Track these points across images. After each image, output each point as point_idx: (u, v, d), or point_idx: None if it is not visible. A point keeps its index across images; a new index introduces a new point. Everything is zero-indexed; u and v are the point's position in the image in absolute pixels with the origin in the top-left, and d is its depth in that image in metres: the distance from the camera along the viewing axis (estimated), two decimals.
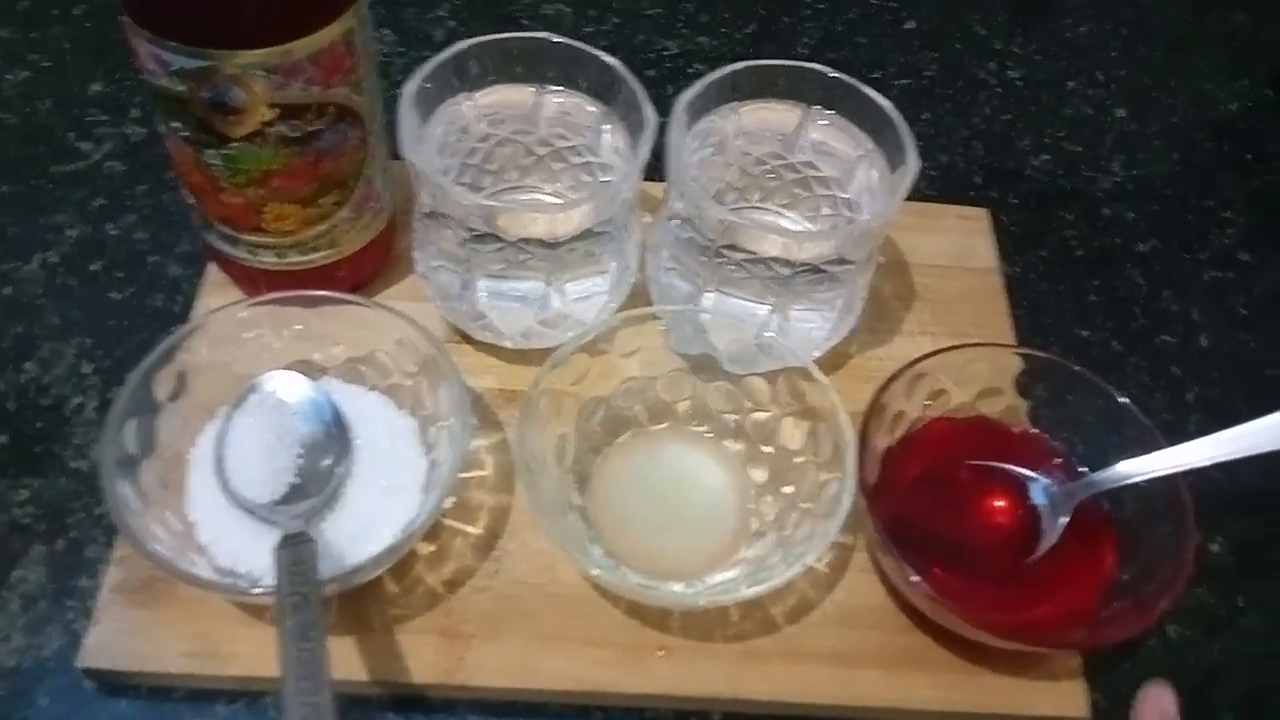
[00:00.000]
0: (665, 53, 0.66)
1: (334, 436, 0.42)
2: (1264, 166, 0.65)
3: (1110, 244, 0.60)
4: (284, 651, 0.33)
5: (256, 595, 0.38)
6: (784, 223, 0.50)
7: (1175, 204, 0.62)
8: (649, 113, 0.44)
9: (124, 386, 0.40)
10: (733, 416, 0.47)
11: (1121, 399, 0.44)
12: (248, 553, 0.40)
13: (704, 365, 0.47)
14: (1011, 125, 0.65)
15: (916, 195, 0.60)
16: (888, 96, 0.46)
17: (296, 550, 0.37)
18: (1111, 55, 0.69)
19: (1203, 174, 0.64)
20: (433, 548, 0.43)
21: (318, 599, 0.35)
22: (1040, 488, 0.44)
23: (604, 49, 0.46)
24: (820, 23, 0.69)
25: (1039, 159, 0.63)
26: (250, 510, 0.40)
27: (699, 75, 0.56)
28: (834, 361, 0.50)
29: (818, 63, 0.61)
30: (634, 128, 0.45)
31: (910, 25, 0.69)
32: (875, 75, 0.66)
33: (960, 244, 0.56)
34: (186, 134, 0.40)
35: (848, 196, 0.49)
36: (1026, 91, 0.67)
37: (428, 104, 0.44)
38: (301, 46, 0.38)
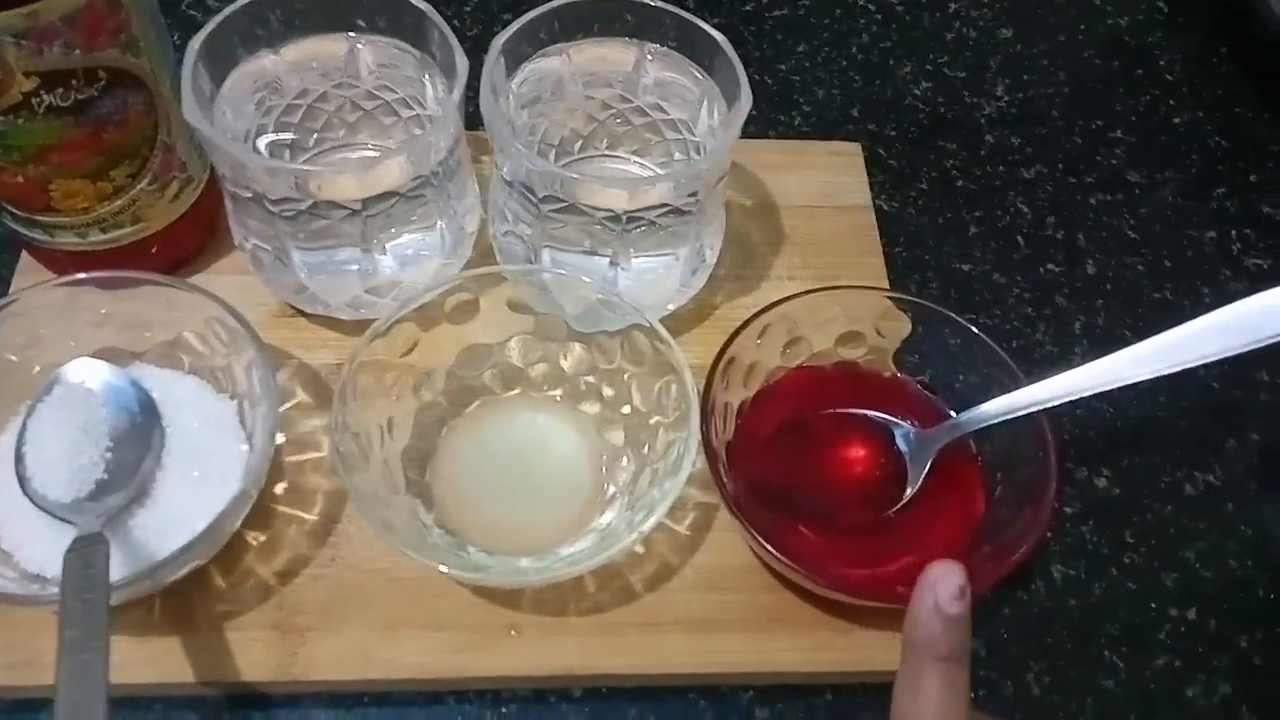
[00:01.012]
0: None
1: (141, 426, 0.40)
2: (1154, 82, 0.62)
3: (993, 173, 0.57)
4: (60, 664, 0.31)
5: (44, 602, 0.36)
6: (634, 169, 0.47)
7: (1062, 127, 0.60)
8: (459, 58, 0.40)
9: None
10: (587, 379, 0.45)
11: (982, 335, 0.42)
12: (56, 557, 0.37)
13: (551, 326, 0.44)
14: (890, 53, 0.62)
15: (790, 133, 0.58)
16: (762, 29, 0.43)
17: (86, 553, 0.34)
18: None
19: (1092, 94, 0.61)
20: (264, 537, 0.41)
21: (104, 605, 0.33)
22: (902, 433, 0.42)
23: None
24: None
25: (919, 87, 0.60)
26: (51, 511, 0.38)
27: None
28: (697, 313, 0.48)
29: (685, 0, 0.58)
30: (449, 74, 0.42)
31: None
32: (748, 7, 0.63)
33: (831, 181, 0.53)
34: None
35: (696, 139, 0.46)
36: (907, 16, 0.64)
37: (220, 61, 0.41)
38: (49, 7, 0.34)
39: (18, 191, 0.40)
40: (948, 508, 0.42)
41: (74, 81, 0.37)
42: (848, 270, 0.50)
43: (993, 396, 0.41)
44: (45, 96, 0.36)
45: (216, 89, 0.41)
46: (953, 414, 0.43)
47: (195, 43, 0.39)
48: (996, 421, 0.40)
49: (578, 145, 0.48)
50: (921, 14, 0.64)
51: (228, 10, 0.40)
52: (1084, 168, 0.58)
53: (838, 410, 0.43)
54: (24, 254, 0.47)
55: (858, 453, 0.43)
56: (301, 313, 0.46)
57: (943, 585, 0.29)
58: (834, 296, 0.43)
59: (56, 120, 0.37)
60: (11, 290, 0.46)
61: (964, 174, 0.57)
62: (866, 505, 0.42)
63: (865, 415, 0.43)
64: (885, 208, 0.54)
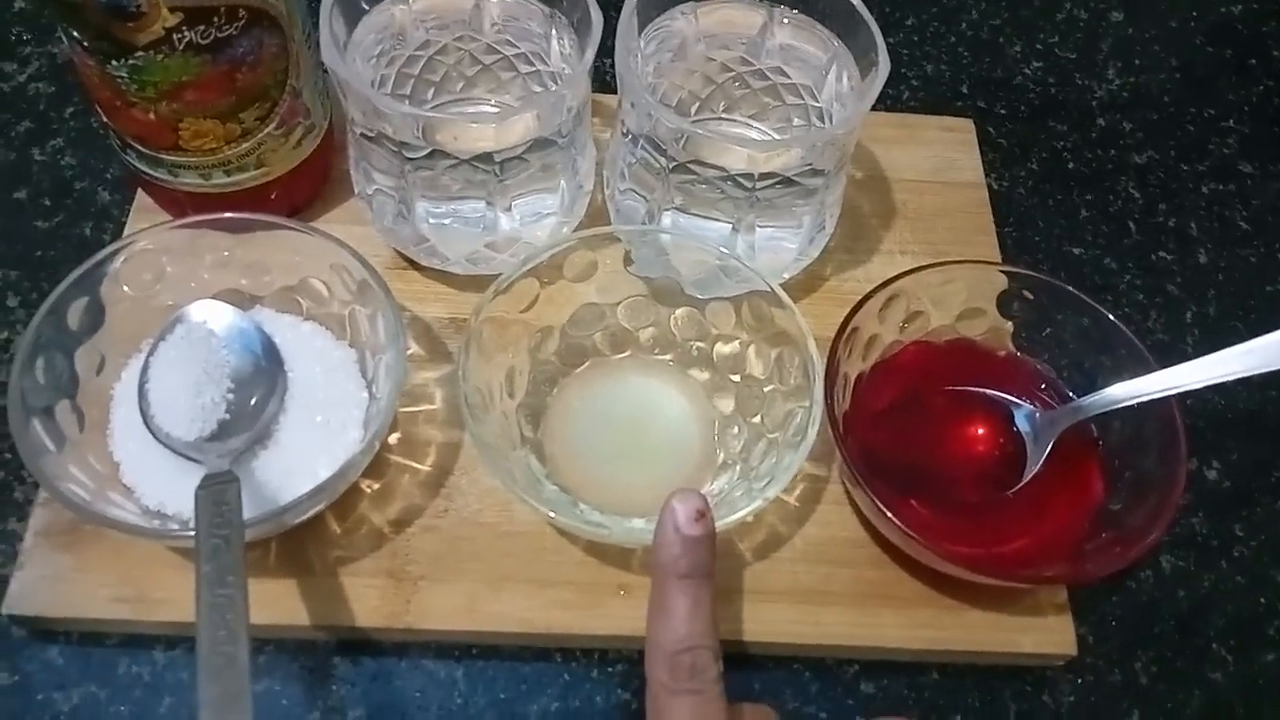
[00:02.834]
0: None
1: (265, 369, 0.40)
2: (1267, 72, 0.61)
3: (1104, 156, 0.56)
4: (200, 598, 0.31)
5: (179, 537, 0.36)
6: (751, 134, 0.47)
7: (1173, 113, 0.58)
8: (595, 13, 0.40)
9: (31, 322, 0.37)
10: (698, 344, 0.44)
11: (1111, 318, 0.41)
12: (176, 493, 0.38)
13: (666, 290, 0.44)
14: (1000, 31, 0.61)
15: (899, 106, 0.57)
16: (870, 1, 0.42)
17: (218, 490, 0.34)
18: None
19: (1203, 81, 0.60)
20: (378, 485, 0.41)
21: (239, 542, 0.33)
22: (1024, 414, 0.42)
23: None
24: None
25: (1030, 67, 0.59)
26: (174, 449, 0.38)
27: None
28: (807, 284, 0.47)
29: None
30: (582, 31, 0.42)
31: None
32: None
33: (944, 157, 0.52)
34: (86, 44, 0.37)
35: (819, 105, 0.45)
36: None
37: (354, 8, 0.41)
38: None
39: (147, 129, 0.40)
40: (1065, 492, 0.41)
41: (215, 19, 0.37)
42: (960, 248, 0.49)
43: (1118, 380, 0.40)
44: (186, 33, 0.36)
45: (348, 36, 0.40)
46: (1072, 396, 0.42)
47: None
48: (1123, 406, 0.39)
49: (694, 107, 0.47)
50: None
51: None
52: (1195, 156, 0.57)
53: (957, 387, 0.43)
54: (139, 193, 0.47)
55: (976, 431, 0.42)
56: (413, 265, 0.46)
57: (681, 510, 0.31)
58: (958, 271, 0.42)
59: (194, 58, 0.37)
60: (128, 229, 0.47)
61: (1075, 156, 0.56)
62: (982, 484, 0.41)
63: (985, 393, 0.43)
64: (995, 186, 0.53)
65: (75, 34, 0.37)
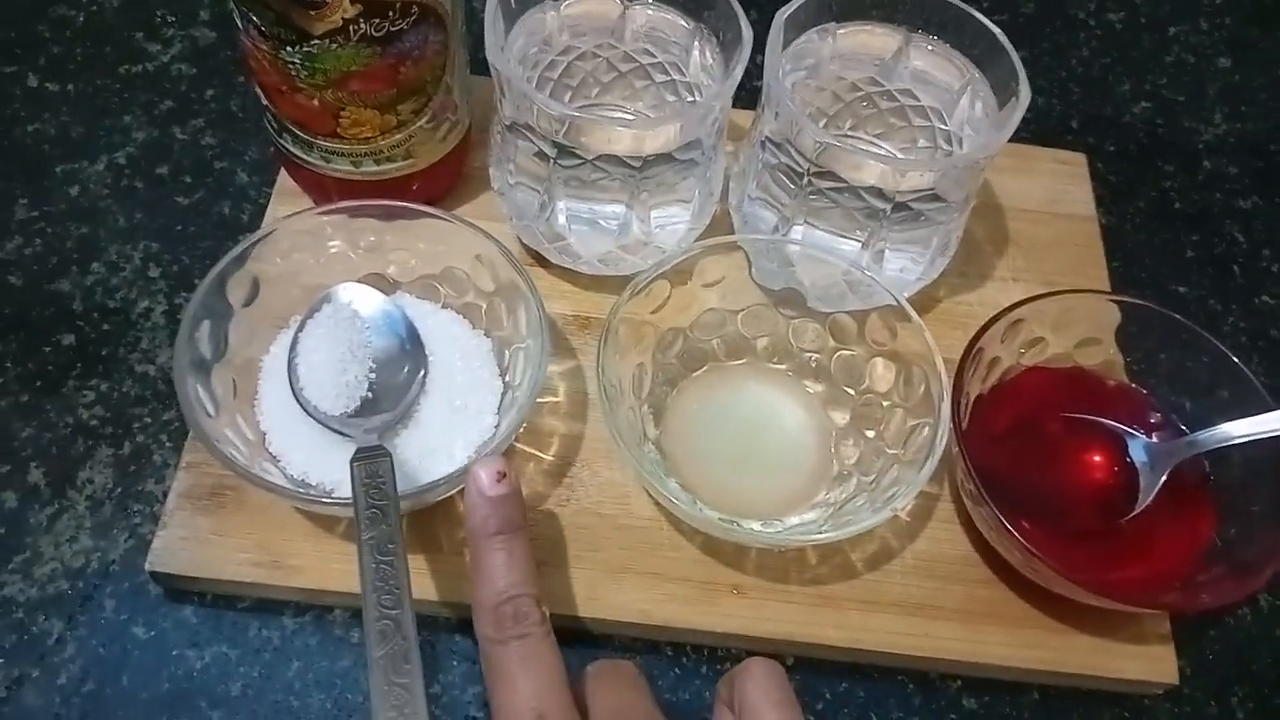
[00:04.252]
0: None
1: (408, 352, 0.41)
2: None
3: (1210, 198, 0.57)
4: (363, 565, 0.32)
5: (329, 504, 0.37)
6: (877, 148, 0.48)
7: (1278, 160, 0.59)
8: (745, 30, 0.41)
9: (198, 289, 0.39)
10: (815, 355, 0.45)
11: (1229, 354, 0.42)
12: (319, 464, 0.39)
13: (787, 300, 0.45)
14: (1110, 69, 0.61)
15: (1012, 136, 0.58)
16: None
17: (373, 464, 0.36)
18: (1215, 2, 0.66)
19: None
20: None
21: (395, 513, 0.34)
22: (1139, 445, 0.43)
23: None
24: None
25: (1138, 106, 0.60)
26: (323, 422, 0.39)
27: None
28: (922, 304, 0.48)
29: None
30: (726, 45, 0.43)
31: None
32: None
33: (1057, 189, 0.53)
34: (264, 29, 0.39)
35: (947, 129, 0.46)
36: (1126, 35, 0.63)
37: (512, 10, 0.42)
38: None
39: (309, 115, 0.42)
40: (1176, 523, 0.41)
41: (390, 13, 0.38)
42: (1070, 278, 0.50)
43: (1231, 417, 0.41)
44: (362, 25, 0.38)
45: (506, 37, 0.42)
46: (1184, 429, 0.43)
47: None
48: (1238, 442, 0.40)
49: (821, 123, 0.48)
50: (1141, 34, 0.63)
51: None
52: None
53: (1073, 414, 0.44)
54: (281, 176, 0.49)
55: (1091, 459, 0.43)
56: (540, 262, 0.48)
57: (484, 474, 0.33)
58: (1078, 300, 0.43)
59: (365, 49, 0.39)
60: (270, 210, 0.48)
61: (1181, 197, 0.57)
62: (1095, 512, 0.42)
63: (1101, 422, 0.43)
64: (1103, 221, 0.54)
65: (254, 18, 0.39)
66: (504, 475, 0.33)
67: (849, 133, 0.48)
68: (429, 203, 0.48)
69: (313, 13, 0.37)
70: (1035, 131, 0.58)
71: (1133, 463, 0.42)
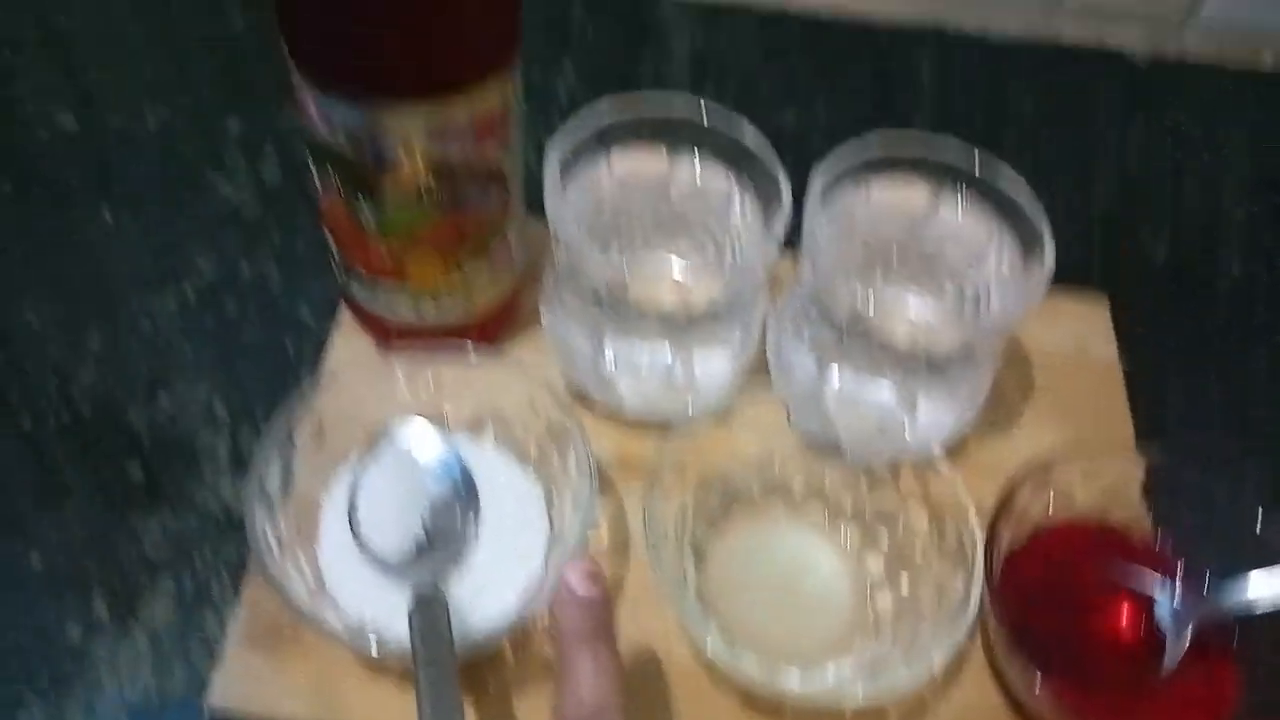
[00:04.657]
0: (783, 124, 0.66)
1: (462, 496, 0.43)
2: None
3: (1232, 342, 0.59)
4: (421, 709, 0.34)
5: (385, 650, 0.39)
6: (909, 301, 0.50)
7: None
8: (786, 191, 0.44)
9: (268, 430, 0.41)
10: (849, 502, 0.47)
11: (1254, 513, 0.43)
12: (375, 604, 0.41)
13: (823, 446, 0.47)
14: (1131, 215, 0.64)
15: None
16: None
17: (430, 610, 0.37)
18: (1233, 149, 0.69)
19: None
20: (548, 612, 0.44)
21: (451, 660, 0.36)
22: (1165, 602, 0.44)
23: None
24: (937, 101, 0.69)
25: (1159, 251, 0.62)
26: (380, 563, 0.41)
27: (816, 146, 0.56)
28: (952, 453, 0.50)
29: None
30: (766, 200, 0.46)
31: (1027, 108, 0.69)
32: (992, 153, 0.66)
33: (1080, 335, 0.55)
34: (343, 188, 0.42)
35: (974, 282, 0.48)
36: (1146, 182, 0.66)
37: (569, 166, 0.45)
38: (461, 111, 0.39)
39: (377, 262, 0.45)
40: (1204, 684, 0.42)
41: (460, 174, 0.41)
42: (1096, 426, 0.52)
43: (1259, 575, 0.42)
44: (435, 185, 0.41)
45: (563, 193, 0.45)
46: (1210, 587, 0.44)
47: (557, 148, 0.44)
48: (1263, 602, 0.41)
49: (854, 274, 0.51)
50: (1161, 181, 0.66)
51: (586, 120, 0.45)
52: None
53: (1101, 571, 0.45)
54: (342, 312, 0.52)
55: (1119, 616, 0.44)
56: (585, 401, 0.50)
57: (573, 575, 0.32)
58: (1106, 458, 0.45)
59: (435, 206, 0.42)
60: (330, 347, 0.51)
61: (1203, 341, 0.58)
62: (1121, 670, 0.43)
63: (1128, 580, 0.45)
64: (1126, 366, 0.56)
65: (335, 177, 0.42)
66: (596, 577, 0.32)
67: (880, 283, 0.51)
68: (484, 340, 0.51)
69: (389, 174, 0.40)
70: (1056, 276, 0.60)
71: (1160, 621, 0.43)
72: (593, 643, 0.32)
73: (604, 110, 0.45)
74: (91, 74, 0.64)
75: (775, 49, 0.71)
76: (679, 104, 0.46)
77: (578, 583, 0.32)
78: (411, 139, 0.39)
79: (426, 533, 0.42)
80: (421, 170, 0.40)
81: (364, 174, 0.40)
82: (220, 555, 0.46)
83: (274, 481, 0.41)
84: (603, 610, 0.32)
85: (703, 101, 0.47)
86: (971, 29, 0.73)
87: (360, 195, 0.41)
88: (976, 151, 0.46)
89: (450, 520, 0.43)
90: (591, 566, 0.32)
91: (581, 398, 0.50)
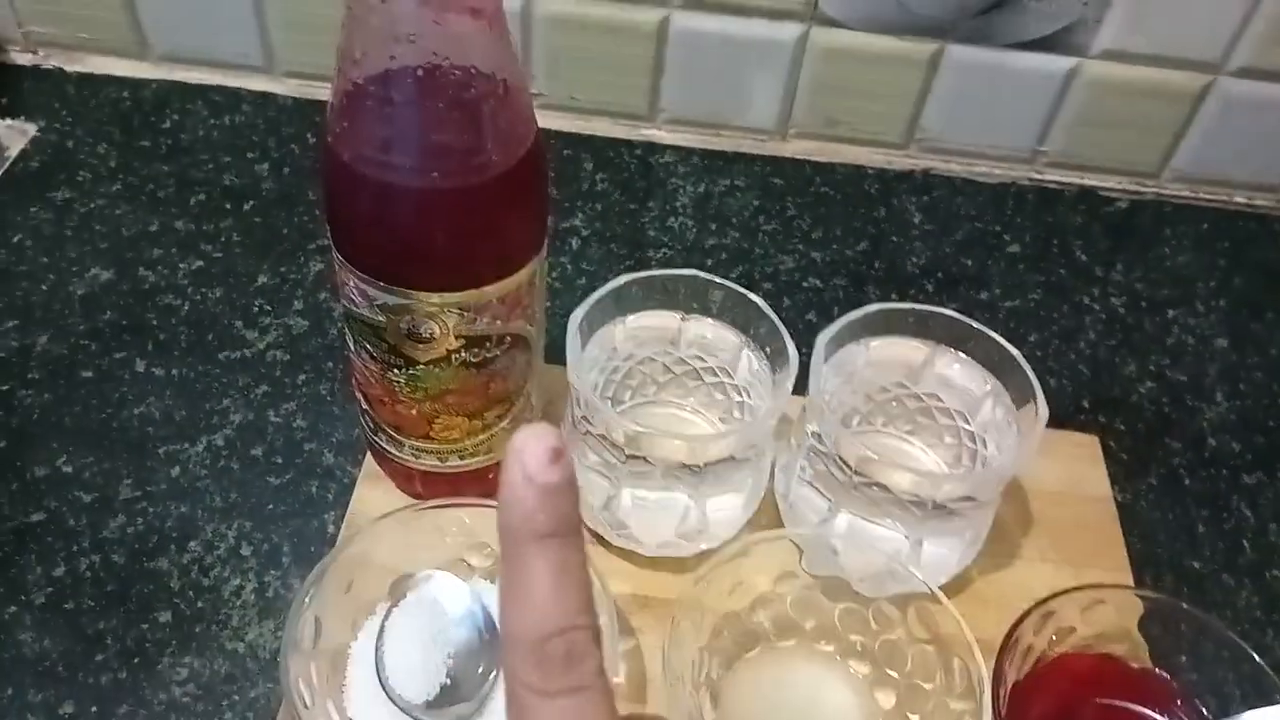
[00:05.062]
0: (781, 266, 0.70)
1: (487, 643, 0.45)
2: None
3: (1217, 474, 0.61)
4: None
5: None
6: (910, 449, 0.53)
7: (1279, 437, 0.64)
8: (792, 351, 0.47)
9: (306, 581, 0.43)
10: (860, 638, 0.49)
11: (1246, 649, 0.45)
12: None
13: (833, 585, 0.49)
14: (1116, 351, 0.67)
15: None
16: (995, 318, 0.50)
17: None
18: (1210, 285, 0.72)
19: None
20: None
21: None
22: None
23: (724, 261, 0.47)
24: (928, 243, 0.73)
25: (1144, 386, 0.65)
26: (407, 711, 0.42)
27: (814, 289, 0.59)
28: (956, 585, 0.52)
29: (927, 281, 0.65)
30: (772, 355, 0.49)
31: (1014, 249, 0.73)
32: (982, 295, 0.69)
33: (1074, 471, 0.58)
34: (375, 355, 0.44)
35: (971, 429, 0.51)
36: (1129, 318, 0.69)
37: (588, 329, 0.48)
38: (493, 290, 0.42)
39: (406, 421, 0.47)
40: None
41: (487, 344, 0.44)
42: (1094, 558, 0.54)
43: (1253, 705, 0.44)
44: (463, 354, 0.44)
45: (582, 353, 0.48)
46: (1207, 714, 0.45)
47: (578, 317, 0.47)
48: None
49: (855, 421, 0.53)
50: (1142, 317, 0.69)
51: (601, 292, 0.48)
52: None
53: (1103, 701, 0.46)
54: (368, 460, 0.54)
55: None
56: (600, 541, 0.52)
57: (531, 451, 0.22)
58: (1106, 594, 0.47)
59: (464, 371, 0.44)
60: (355, 494, 0.53)
61: (1190, 474, 0.61)
62: None
63: (1130, 710, 0.46)
64: (1119, 498, 0.58)
65: (367, 345, 0.44)
66: (559, 453, 0.23)
67: (880, 429, 0.53)
68: None
69: (422, 346, 0.43)
70: (1050, 412, 0.63)
71: None
72: (556, 540, 0.23)
73: (622, 282, 0.49)
74: (125, 227, 0.67)
75: (772, 193, 0.75)
76: (690, 277, 0.50)
77: (536, 465, 0.23)
78: (445, 317, 0.42)
79: (451, 678, 0.44)
80: (453, 341, 0.43)
81: (397, 344, 0.43)
82: (248, 698, 0.47)
83: (307, 632, 0.43)
84: (568, 500, 0.23)
85: (711, 275, 0.50)
86: (958, 174, 0.78)
87: (393, 363, 0.44)
88: (969, 320, 0.49)
89: (474, 666, 0.44)
90: (554, 438, 0.23)
91: (596, 538, 0.52)
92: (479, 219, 0.39)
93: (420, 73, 0.37)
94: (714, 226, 0.72)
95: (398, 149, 0.38)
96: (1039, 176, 0.78)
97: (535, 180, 0.42)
